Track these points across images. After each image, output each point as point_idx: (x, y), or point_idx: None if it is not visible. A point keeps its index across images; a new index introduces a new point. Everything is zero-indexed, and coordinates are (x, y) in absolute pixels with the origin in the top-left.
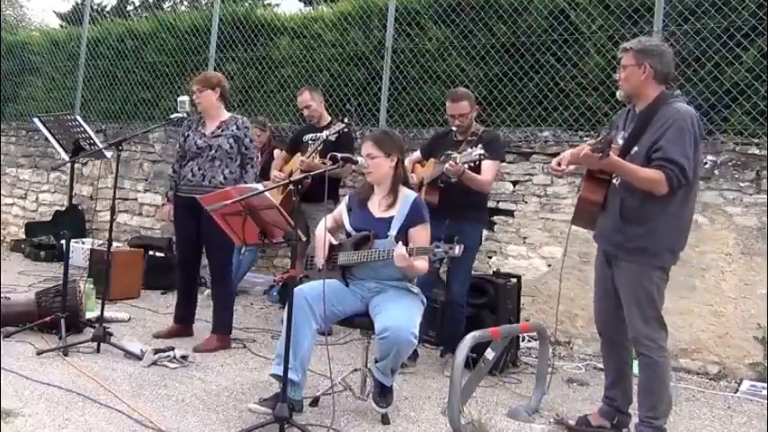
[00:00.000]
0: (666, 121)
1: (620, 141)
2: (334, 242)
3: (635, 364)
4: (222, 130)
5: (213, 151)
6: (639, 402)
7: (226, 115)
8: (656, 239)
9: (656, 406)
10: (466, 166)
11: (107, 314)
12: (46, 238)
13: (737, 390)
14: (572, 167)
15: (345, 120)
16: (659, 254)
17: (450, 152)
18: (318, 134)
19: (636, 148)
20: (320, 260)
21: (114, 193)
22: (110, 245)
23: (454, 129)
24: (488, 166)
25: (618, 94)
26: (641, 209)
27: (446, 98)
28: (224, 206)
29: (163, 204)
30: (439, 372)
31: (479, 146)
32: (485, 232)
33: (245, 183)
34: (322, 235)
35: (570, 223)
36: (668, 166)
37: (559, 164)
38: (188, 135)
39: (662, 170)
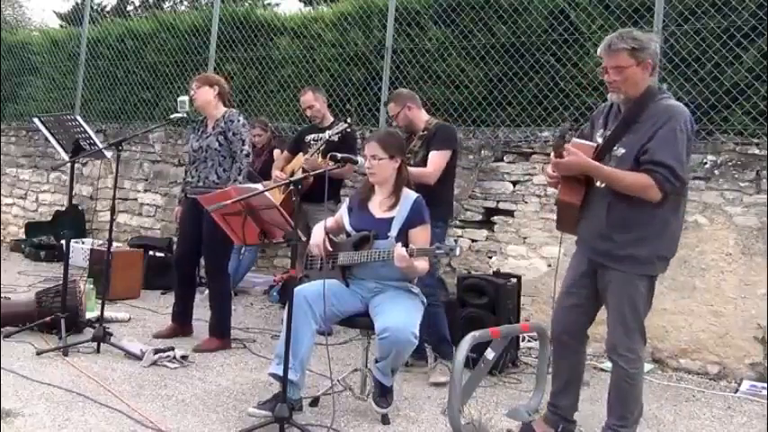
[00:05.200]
0: (657, 121)
1: (600, 140)
2: (335, 240)
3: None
4: (214, 129)
5: (205, 152)
6: (609, 408)
7: (221, 112)
8: (646, 247)
9: (625, 416)
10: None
11: (107, 314)
12: (46, 238)
13: (737, 390)
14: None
15: (348, 120)
16: (649, 262)
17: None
18: (321, 134)
19: (623, 150)
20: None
21: (114, 193)
22: (110, 245)
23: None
24: (432, 157)
25: (614, 97)
26: (629, 214)
27: None
28: (224, 206)
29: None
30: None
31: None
32: (485, 232)
33: (232, 179)
34: (319, 230)
35: (556, 228)
36: (655, 169)
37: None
38: (190, 138)
39: (650, 174)
